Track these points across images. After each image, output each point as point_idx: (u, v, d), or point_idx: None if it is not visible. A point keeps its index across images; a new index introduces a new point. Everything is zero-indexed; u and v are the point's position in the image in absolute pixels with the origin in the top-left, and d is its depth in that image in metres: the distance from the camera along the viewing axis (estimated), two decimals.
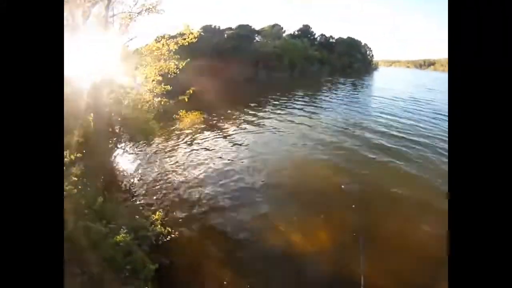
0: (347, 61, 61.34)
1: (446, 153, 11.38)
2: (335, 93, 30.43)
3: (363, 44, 70.48)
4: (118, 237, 4.67)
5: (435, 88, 39.51)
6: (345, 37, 66.41)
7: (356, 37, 71.21)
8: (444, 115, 19.06)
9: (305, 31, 62.57)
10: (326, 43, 63.66)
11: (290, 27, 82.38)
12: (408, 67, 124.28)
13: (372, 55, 75.54)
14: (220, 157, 11.46)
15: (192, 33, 9.30)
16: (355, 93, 32.68)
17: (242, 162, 10.93)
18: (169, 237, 6.02)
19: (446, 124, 15.88)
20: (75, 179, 5.08)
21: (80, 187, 5.26)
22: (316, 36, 64.47)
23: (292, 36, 59.12)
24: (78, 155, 5.63)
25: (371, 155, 11.67)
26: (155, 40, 9.60)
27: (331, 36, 65.70)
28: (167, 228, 6.05)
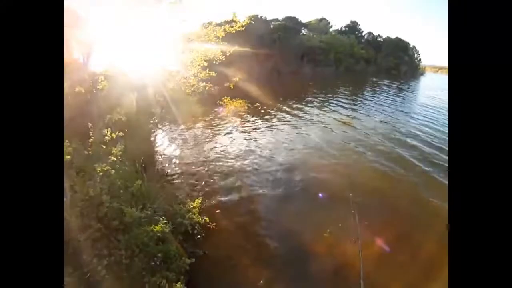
0: (393, 62, 58.72)
1: None
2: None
3: (411, 46, 67.05)
4: (156, 226, 4.51)
5: None
6: (393, 37, 63.61)
7: (405, 39, 67.85)
8: None
9: (353, 28, 60.69)
10: (373, 42, 61.32)
11: (338, 23, 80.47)
12: None
13: (420, 59, 71.63)
14: (260, 147, 11.14)
15: (239, 22, 9.16)
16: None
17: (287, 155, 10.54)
18: (205, 227, 5.80)
19: None
20: (114, 159, 5.01)
21: (117, 166, 5.20)
22: (363, 34, 62.46)
23: (339, 31, 57.60)
24: (120, 133, 5.55)
25: None
26: (203, 26, 9.55)
27: (378, 35, 63.16)
28: (204, 217, 5.83)
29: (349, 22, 61.33)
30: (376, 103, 23.16)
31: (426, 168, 9.94)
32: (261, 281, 4.92)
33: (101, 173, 4.55)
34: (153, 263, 4.19)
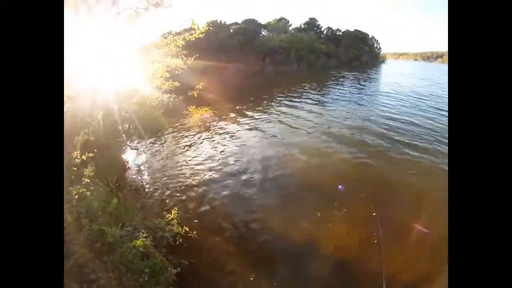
0: (354, 54, 60.47)
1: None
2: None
3: (370, 36, 69.37)
4: (137, 241, 4.48)
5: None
6: (352, 30, 65.51)
7: (364, 30, 70.12)
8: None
9: (312, 24, 61.91)
10: (333, 36, 62.88)
11: (297, 21, 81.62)
12: (416, 59, 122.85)
13: (380, 48, 74.36)
14: (229, 151, 11.36)
15: (199, 29, 9.15)
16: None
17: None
18: (186, 236, 5.82)
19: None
20: (88, 180, 4.94)
21: (92, 188, 5.13)
22: (322, 29, 63.86)
23: (298, 29, 58.61)
24: (90, 155, 5.47)
25: None
26: (162, 36, 9.47)
27: (338, 29, 64.91)
28: (184, 227, 5.84)
29: (307, 19, 62.60)
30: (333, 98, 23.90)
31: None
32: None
33: (76, 196, 4.48)
34: (141, 279, 4.19)
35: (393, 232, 5.93)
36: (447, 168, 7.46)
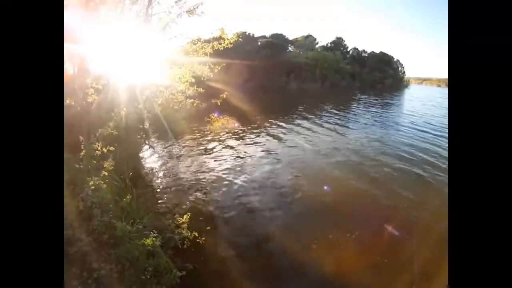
0: (378, 77, 60.20)
1: None
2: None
3: (395, 60, 69.16)
4: (148, 240, 4.51)
5: None
6: (377, 51, 65.46)
7: (389, 53, 69.94)
8: None
9: (338, 44, 62.28)
10: (358, 57, 63.05)
11: (324, 39, 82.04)
12: (439, 85, 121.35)
13: (404, 72, 74.02)
14: (248, 164, 11.29)
15: (228, 39, 9.29)
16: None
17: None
18: (194, 241, 5.80)
19: None
20: (106, 173, 5.03)
21: (107, 181, 5.22)
22: (348, 49, 64.13)
23: (325, 48, 58.96)
24: (111, 148, 5.59)
25: None
26: (192, 42, 9.66)
27: (363, 50, 65.15)
28: (194, 233, 5.84)
29: (334, 38, 63.04)
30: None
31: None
32: None
33: (93, 187, 4.57)
34: (143, 277, 4.18)
35: None
36: None
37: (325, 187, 9.25)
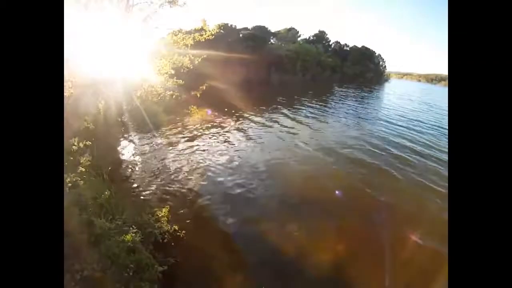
0: (359, 70, 60.93)
1: None
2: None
3: (376, 54, 70.08)
4: (127, 236, 4.45)
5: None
6: (359, 46, 66.07)
7: (372, 48, 70.88)
8: None
9: (320, 37, 62.50)
10: (340, 50, 63.48)
11: (306, 32, 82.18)
12: (419, 80, 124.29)
13: (385, 66, 75.25)
14: (226, 154, 11.31)
15: (209, 30, 9.14)
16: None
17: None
18: (175, 235, 5.76)
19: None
20: (83, 169, 4.91)
21: (85, 177, 5.09)
22: (331, 43, 64.40)
23: (307, 41, 59.02)
24: (88, 143, 5.44)
25: None
26: (173, 33, 9.46)
27: (345, 44, 65.60)
28: (173, 226, 5.80)
29: (317, 32, 63.08)
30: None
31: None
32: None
33: (70, 184, 4.45)
34: (126, 274, 4.14)
35: None
36: None
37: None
